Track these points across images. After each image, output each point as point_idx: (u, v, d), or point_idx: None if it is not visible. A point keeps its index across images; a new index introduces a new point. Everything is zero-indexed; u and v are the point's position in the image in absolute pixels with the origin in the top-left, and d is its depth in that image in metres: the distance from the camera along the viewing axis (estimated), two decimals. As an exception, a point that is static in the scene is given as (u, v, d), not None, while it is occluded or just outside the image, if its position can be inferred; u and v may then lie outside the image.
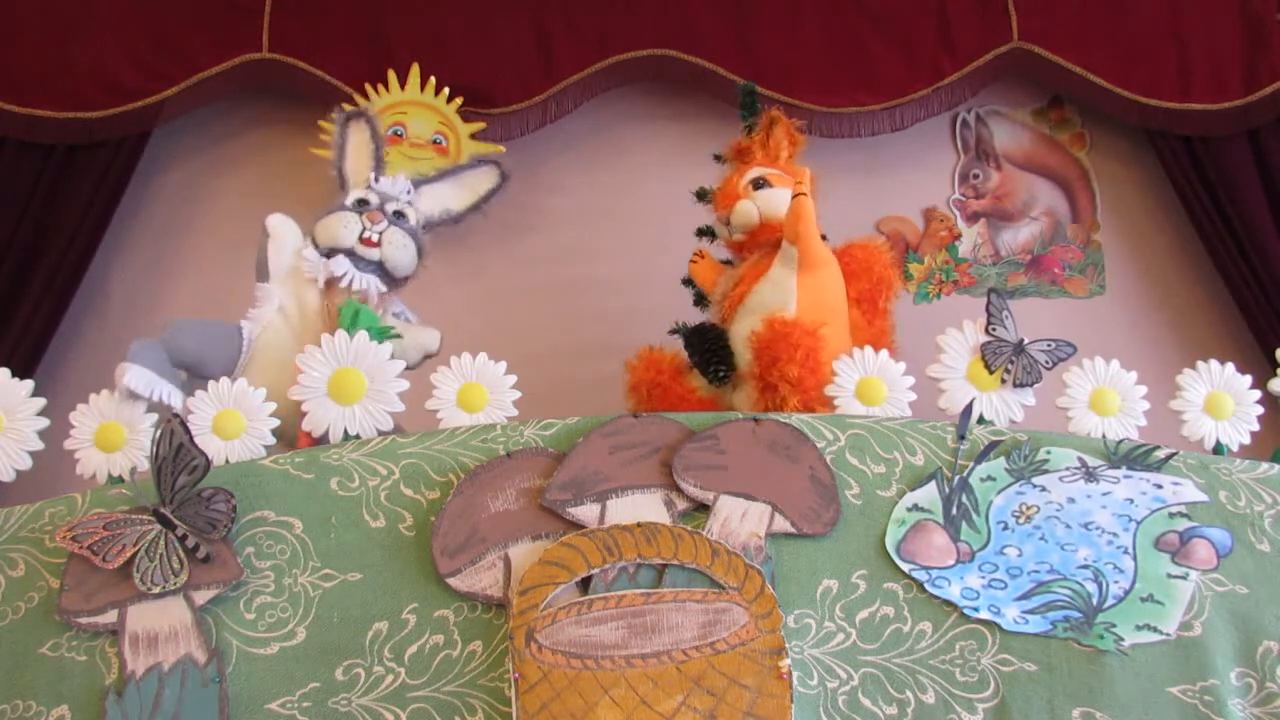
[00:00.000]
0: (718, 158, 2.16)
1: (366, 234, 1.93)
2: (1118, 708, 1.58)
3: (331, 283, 1.91)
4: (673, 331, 2.04)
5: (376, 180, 2.02)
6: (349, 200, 1.99)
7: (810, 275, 1.89)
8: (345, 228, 1.93)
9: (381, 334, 1.83)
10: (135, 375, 1.71)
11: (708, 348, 1.90)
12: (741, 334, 1.89)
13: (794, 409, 1.77)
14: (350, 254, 1.93)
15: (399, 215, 1.98)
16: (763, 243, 1.96)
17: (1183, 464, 1.72)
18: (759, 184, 1.97)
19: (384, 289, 1.96)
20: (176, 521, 1.57)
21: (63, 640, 1.56)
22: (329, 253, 1.93)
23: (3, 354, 2.38)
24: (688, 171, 2.19)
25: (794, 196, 1.86)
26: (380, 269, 1.95)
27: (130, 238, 2.68)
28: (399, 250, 1.95)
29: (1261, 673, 1.62)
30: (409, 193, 2.04)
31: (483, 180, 2.15)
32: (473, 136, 2.59)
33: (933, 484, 1.67)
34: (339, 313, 1.87)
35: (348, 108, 2.14)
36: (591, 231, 2.72)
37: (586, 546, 1.57)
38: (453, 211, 2.12)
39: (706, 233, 2.20)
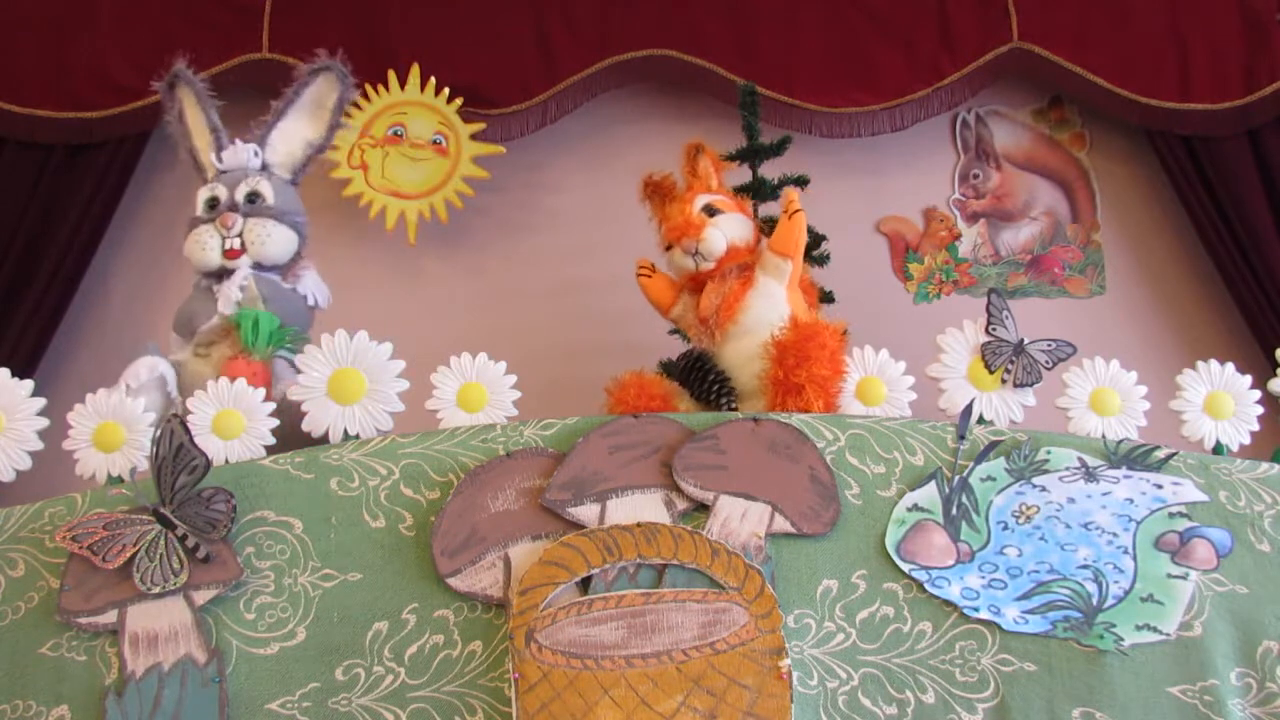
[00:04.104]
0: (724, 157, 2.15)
1: (227, 245, 1.86)
2: (1117, 708, 1.58)
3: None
4: (664, 364, 2.00)
5: (220, 158, 1.92)
6: (199, 203, 1.91)
7: (795, 291, 1.92)
8: (206, 249, 1.87)
9: (280, 336, 1.82)
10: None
11: (713, 380, 1.86)
12: (742, 352, 1.86)
13: (817, 412, 1.77)
14: (223, 272, 1.87)
15: (253, 198, 1.90)
16: (729, 267, 1.92)
17: (1183, 464, 1.72)
18: (711, 210, 1.94)
19: (262, 281, 1.87)
20: (176, 521, 1.57)
21: (63, 640, 1.56)
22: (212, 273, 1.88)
23: (3, 354, 2.38)
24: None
25: (794, 213, 1.87)
26: (259, 266, 1.89)
27: (130, 238, 2.68)
28: (266, 244, 1.88)
29: (1261, 673, 1.62)
30: (256, 155, 1.93)
31: (325, 93, 1.99)
32: (473, 137, 2.59)
33: (933, 484, 1.67)
34: (234, 328, 1.83)
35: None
36: (591, 231, 2.72)
37: (586, 546, 1.57)
38: (315, 141, 1.99)
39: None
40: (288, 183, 1.98)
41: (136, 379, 1.77)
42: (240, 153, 1.93)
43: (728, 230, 1.91)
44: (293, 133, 1.99)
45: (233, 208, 1.89)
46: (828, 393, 1.78)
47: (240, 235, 1.87)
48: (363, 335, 1.73)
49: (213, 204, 1.91)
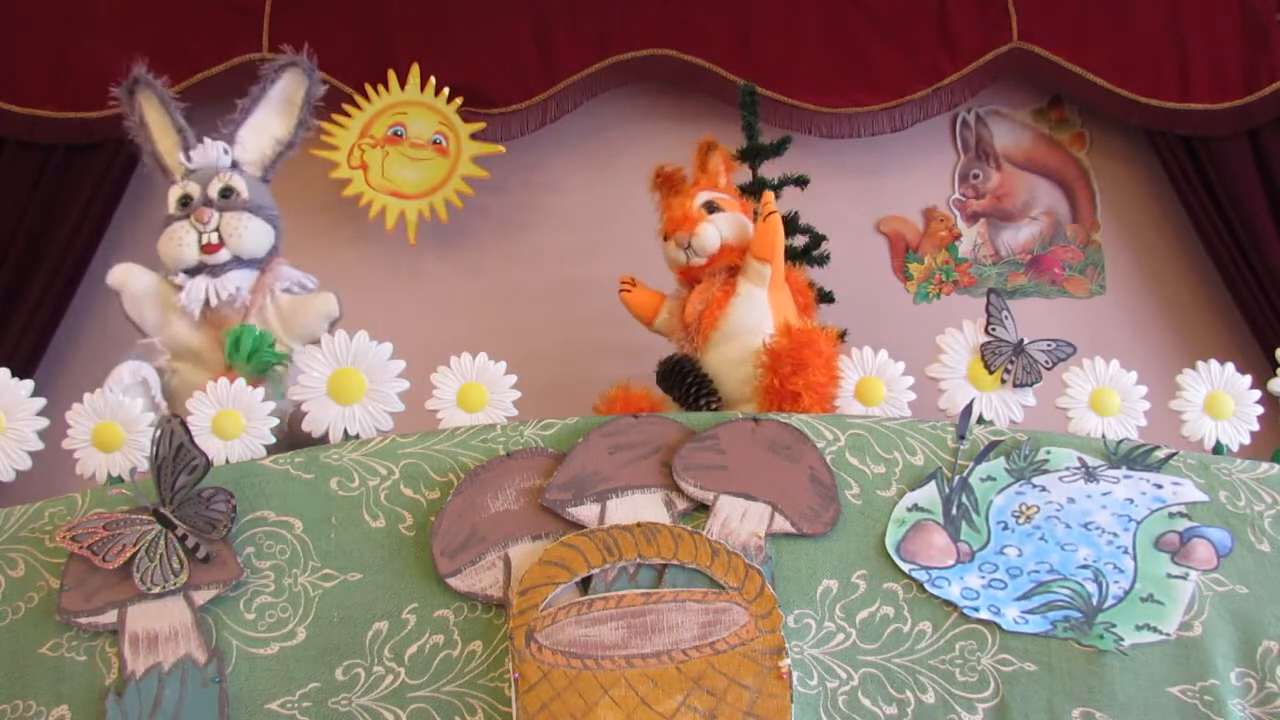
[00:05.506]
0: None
1: (204, 240, 1.85)
2: (1117, 708, 1.58)
3: (204, 307, 1.85)
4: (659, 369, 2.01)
5: (189, 158, 1.91)
6: (171, 202, 1.90)
7: (778, 293, 1.92)
8: (182, 245, 1.86)
9: (266, 355, 1.80)
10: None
11: (691, 381, 1.86)
12: (727, 358, 1.87)
13: None
14: (201, 268, 1.86)
15: (226, 193, 1.89)
16: (719, 267, 1.93)
17: (1183, 464, 1.72)
18: (711, 207, 1.95)
19: (248, 282, 1.87)
20: (176, 521, 1.57)
21: (63, 640, 1.56)
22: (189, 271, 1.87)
23: (3, 354, 2.38)
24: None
25: (767, 215, 1.88)
26: (238, 261, 1.88)
27: (130, 238, 2.68)
28: (244, 236, 1.87)
29: (1261, 673, 1.62)
30: (226, 153, 1.92)
31: (293, 88, 1.98)
32: (473, 136, 2.59)
33: (933, 484, 1.67)
34: (223, 340, 1.82)
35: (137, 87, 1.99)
36: (591, 231, 2.71)
37: (586, 546, 1.57)
38: (284, 139, 1.98)
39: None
40: (259, 180, 1.97)
41: (120, 383, 1.77)
42: (210, 150, 1.92)
43: (724, 228, 1.92)
44: (262, 129, 1.98)
45: (207, 203, 1.88)
46: (824, 399, 1.78)
47: (217, 229, 1.86)
48: (363, 335, 1.73)
49: (185, 201, 1.90)
